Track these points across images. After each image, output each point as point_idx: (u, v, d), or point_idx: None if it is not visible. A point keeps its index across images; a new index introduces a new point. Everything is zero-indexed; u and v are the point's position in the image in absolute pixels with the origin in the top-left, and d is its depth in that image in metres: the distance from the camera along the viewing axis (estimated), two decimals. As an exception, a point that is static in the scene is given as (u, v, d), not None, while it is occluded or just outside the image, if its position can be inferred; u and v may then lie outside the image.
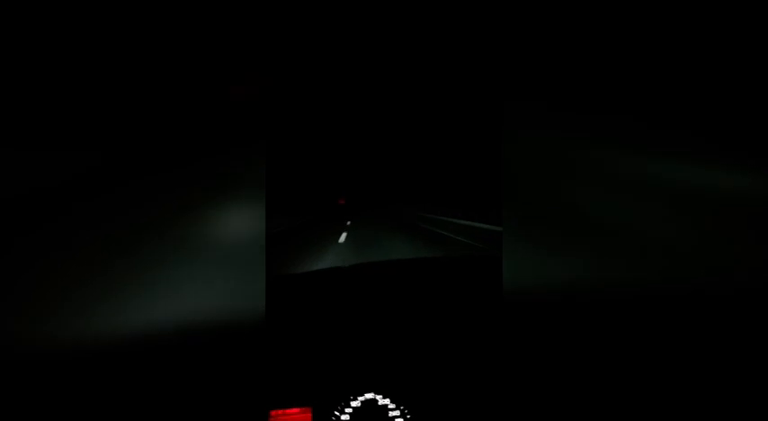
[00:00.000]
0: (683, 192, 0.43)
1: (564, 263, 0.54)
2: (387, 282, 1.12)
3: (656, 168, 0.45)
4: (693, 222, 0.43)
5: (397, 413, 0.63)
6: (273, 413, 0.61)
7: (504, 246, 0.60)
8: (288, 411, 0.62)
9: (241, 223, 0.56)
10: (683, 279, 0.43)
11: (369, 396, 0.64)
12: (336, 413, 0.62)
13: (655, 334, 0.45)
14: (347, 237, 7.98)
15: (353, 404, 0.63)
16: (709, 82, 0.40)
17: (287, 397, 0.64)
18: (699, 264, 0.42)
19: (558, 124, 0.54)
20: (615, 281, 0.49)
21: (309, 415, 0.62)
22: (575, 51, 0.52)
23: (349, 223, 12.39)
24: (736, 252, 0.39)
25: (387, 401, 0.64)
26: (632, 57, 0.46)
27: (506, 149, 0.57)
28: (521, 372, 0.59)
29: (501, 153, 0.58)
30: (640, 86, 0.45)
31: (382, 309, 0.89)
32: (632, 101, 0.46)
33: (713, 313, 0.40)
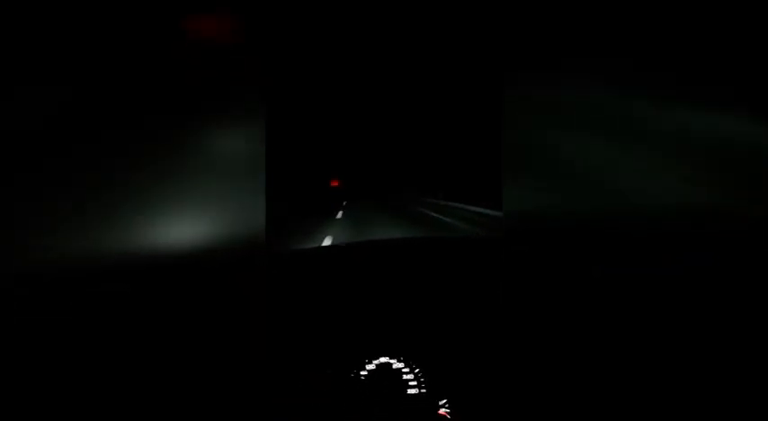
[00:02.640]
0: (677, 136, 0.44)
1: (559, 195, 0.56)
2: (388, 254, 1.13)
3: (650, 113, 0.46)
4: (685, 162, 0.44)
5: (410, 376, 0.64)
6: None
7: (503, 174, 0.62)
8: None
9: (239, 146, 0.55)
10: (666, 215, 0.45)
11: (383, 360, 0.65)
12: (352, 375, 0.63)
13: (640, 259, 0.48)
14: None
15: (368, 367, 0.64)
16: (708, 31, 0.40)
17: (299, 360, 0.65)
18: (687, 201, 0.43)
19: (556, 69, 0.55)
20: (609, 210, 0.51)
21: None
22: (570, 5, 0.52)
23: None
24: (724, 191, 0.41)
25: (401, 365, 0.65)
26: (628, 12, 0.46)
27: (507, 89, 0.59)
28: (525, 319, 0.61)
29: (501, 93, 0.60)
30: (636, 40, 0.46)
31: (383, 277, 0.90)
32: (630, 51, 0.47)
33: (705, 243, 0.41)
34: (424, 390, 0.62)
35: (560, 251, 0.58)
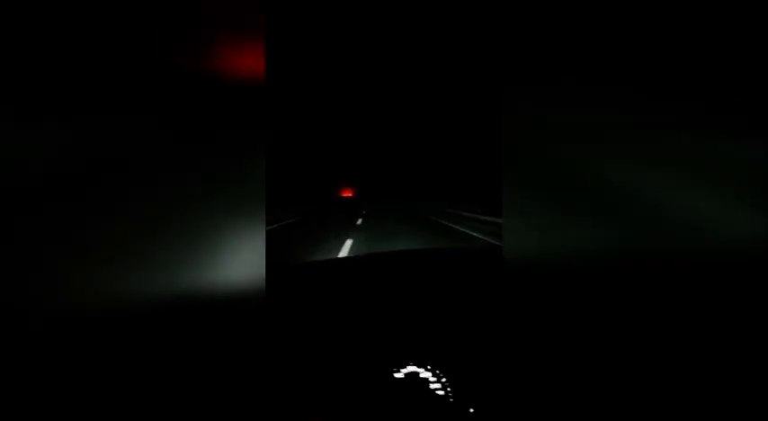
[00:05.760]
0: (686, 161, 0.43)
1: (563, 230, 0.55)
2: (405, 263, 1.13)
3: (655, 138, 0.45)
4: (696, 189, 0.43)
5: (438, 385, 0.65)
6: None
7: (504, 212, 0.61)
8: None
9: (240, 200, 0.56)
10: (679, 244, 0.43)
11: (411, 369, 0.66)
12: (380, 384, 0.64)
13: (649, 296, 0.46)
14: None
15: (396, 376, 0.65)
16: (711, 51, 0.39)
17: (325, 369, 0.66)
18: (700, 229, 0.41)
19: (557, 92, 0.54)
20: (615, 247, 0.49)
21: None
22: (570, 24, 0.51)
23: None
24: (740, 219, 0.39)
25: (428, 374, 0.66)
26: (629, 27, 0.45)
27: (505, 118, 0.57)
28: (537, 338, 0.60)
29: (500, 121, 0.59)
30: (638, 57, 0.45)
31: (401, 289, 0.90)
32: (631, 71, 0.46)
33: (717, 280, 0.39)
34: (452, 399, 0.63)
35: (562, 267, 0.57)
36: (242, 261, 0.57)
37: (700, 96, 0.42)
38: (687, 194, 0.44)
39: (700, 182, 0.43)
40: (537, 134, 0.57)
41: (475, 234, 8.04)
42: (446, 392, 0.63)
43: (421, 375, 0.65)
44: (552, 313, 0.59)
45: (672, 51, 0.43)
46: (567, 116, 0.54)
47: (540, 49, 0.54)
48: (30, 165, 0.36)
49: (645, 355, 0.49)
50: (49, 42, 0.36)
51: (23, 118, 0.35)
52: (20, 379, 0.36)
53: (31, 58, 0.35)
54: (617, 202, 0.51)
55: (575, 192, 0.54)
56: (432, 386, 0.64)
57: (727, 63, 0.39)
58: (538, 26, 0.54)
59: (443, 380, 0.64)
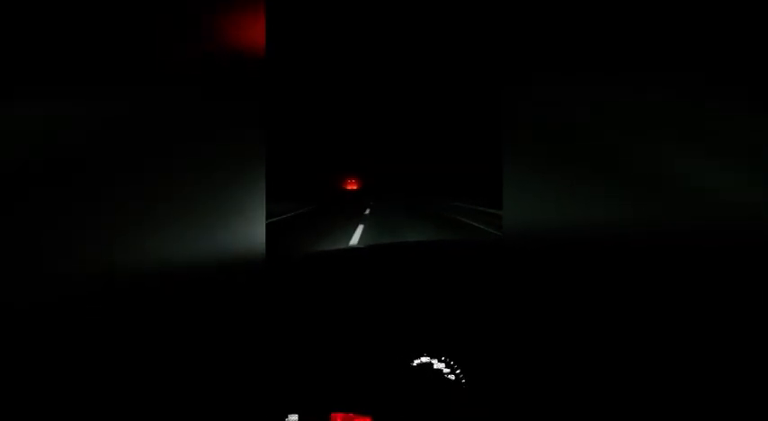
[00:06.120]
0: (686, 160, 0.42)
1: (563, 205, 0.55)
2: (414, 254, 1.12)
3: (655, 137, 0.44)
4: (696, 188, 0.42)
5: (452, 377, 0.64)
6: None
7: (504, 187, 0.60)
8: None
9: (239, 164, 0.55)
10: (686, 216, 0.42)
11: (424, 359, 0.65)
12: (395, 374, 0.62)
13: (656, 273, 0.45)
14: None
15: (410, 365, 0.64)
16: (710, 19, 0.38)
17: (341, 357, 0.66)
18: (705, 202, 0.41)
19: (557, 92, 0.53)
20: (617, 220, 0.48)
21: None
22: (569, 25, 0.50)
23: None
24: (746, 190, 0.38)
25: (442, 365, 0.64)
26: (628, 27, 0.45)
27: (505, 117, 0.57)
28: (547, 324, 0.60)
29: (500, 93, 0.58)
30: (637, 57, 0.44)
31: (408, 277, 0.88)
32: (631, 70, 0.45)
33: (722, 255, 0.39)
34: (465, 389, 0.62)
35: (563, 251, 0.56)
36: (242, 259, 0.57)
37: (699, 95, 0.42)
38: (688, 193, 0.44)
39: (700, 180, 0.43)
40: (536, 132, 0.57)
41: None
42: (459, 381, 0.62)
43: (435, 366, 0.63)
44: (552, 293, 0.59)
45: (670, 51, 0.43)
46: (567, 115, 0.53)
47: (540, 49, 0.54)
48: (32, 154, 0.36)
49: (644, 336, 0.49)
50: (46, 40, 0.36)
51: (15, 102, 0.35)
52: (19, 347, 0.36)
53: (27, 50, 0.35)
54: (616, 197, 0.51)
55: (574, 188, 0.55)
56: (447, 377, 0.62)
57: (726, 63, 0.38)
58: (537, 26, 0.54)
59: (458, 371, 0.63)
